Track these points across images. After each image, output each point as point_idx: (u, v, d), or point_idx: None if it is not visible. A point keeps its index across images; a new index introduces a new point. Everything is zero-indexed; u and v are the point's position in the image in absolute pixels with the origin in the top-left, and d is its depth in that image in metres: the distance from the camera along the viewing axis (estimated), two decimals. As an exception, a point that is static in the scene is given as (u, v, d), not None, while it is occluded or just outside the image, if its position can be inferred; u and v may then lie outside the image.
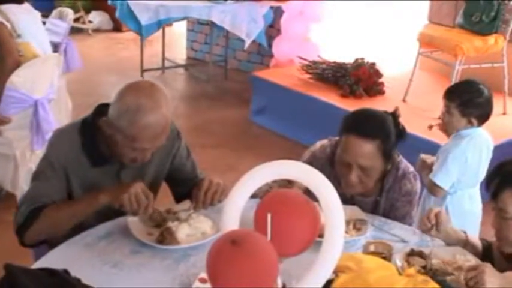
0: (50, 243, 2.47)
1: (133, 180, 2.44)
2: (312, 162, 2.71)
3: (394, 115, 2.72)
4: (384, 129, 2.63)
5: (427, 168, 3.49)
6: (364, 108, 2.82)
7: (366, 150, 2.59)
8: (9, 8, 4.29)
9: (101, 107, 2.48)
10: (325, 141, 2.88)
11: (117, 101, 2.35)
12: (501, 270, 2.16)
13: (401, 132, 2.70)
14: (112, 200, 2.33)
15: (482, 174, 3.44)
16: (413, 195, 2.78)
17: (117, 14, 7.37)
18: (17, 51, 4.27)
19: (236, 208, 1.87)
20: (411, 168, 2.80)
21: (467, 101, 3.40)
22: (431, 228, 2.41)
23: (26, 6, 4.53)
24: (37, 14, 4.65)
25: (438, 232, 2.42)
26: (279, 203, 1.83)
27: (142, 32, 7.11)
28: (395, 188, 2.76)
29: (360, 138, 2.59)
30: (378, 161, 2.62)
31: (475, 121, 3.40)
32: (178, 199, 2.78)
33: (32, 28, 4.43)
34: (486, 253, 2.43)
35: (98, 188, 2.46)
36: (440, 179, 3.40)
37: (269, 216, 1.73)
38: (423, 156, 3.59)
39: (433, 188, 3.43)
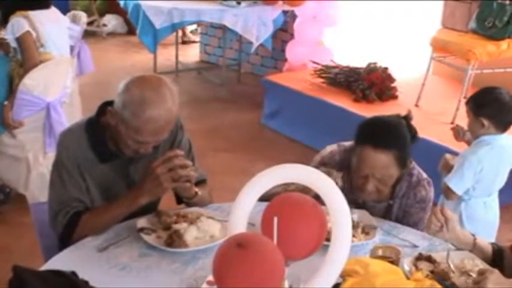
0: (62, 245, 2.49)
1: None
2: (320, 168, 2.70)
3: (407, 118, 2.71)
4: (400, 139, 2.62)
5: (448, 169, 3.48)
6: (379, 116, 2.79)
7: (383, 162, 2.57)
8: (37, 16, 4.31)
9: (105, 105, 2.51)
10: (334, 147, 2.86)
11: (123, 92, 2.37)
12: None
13: (413, 136, 2.69)
14: (152, 197, 2.44)
15: (500, 183, 3.42)
16: (428, 202, 2.76)
17: (128, 16, 7.42)
18: (38, 59, 4.30)
19: (243, 211, 1.88)
20: (424, 175, 2.77)
21: (479, 99, 3.43)
22: (442, 226, 2.36)
23: (53, 10, 4.55)
24: (64, 21, 4.67)
25: (448, 230, 2.37)
26: (286, 206, 1.82)
27: (154, 40, 7.15)
28: (409, 194, 2.74)
29: (377, 150, 2.56)
30: (394, 170, 2.61)
31: (486, 122, 3.37)
32: (180, 198, 2.78)
33: (55, 37, 4.45)
34: (497, 258, 2.41)
35: (111, 184, 2.52)
36: (455, 183, 3.39)
37: (275, 219, 1.73)
38: (447, 156, 3.59)
39: (447, 191, 3.43)
